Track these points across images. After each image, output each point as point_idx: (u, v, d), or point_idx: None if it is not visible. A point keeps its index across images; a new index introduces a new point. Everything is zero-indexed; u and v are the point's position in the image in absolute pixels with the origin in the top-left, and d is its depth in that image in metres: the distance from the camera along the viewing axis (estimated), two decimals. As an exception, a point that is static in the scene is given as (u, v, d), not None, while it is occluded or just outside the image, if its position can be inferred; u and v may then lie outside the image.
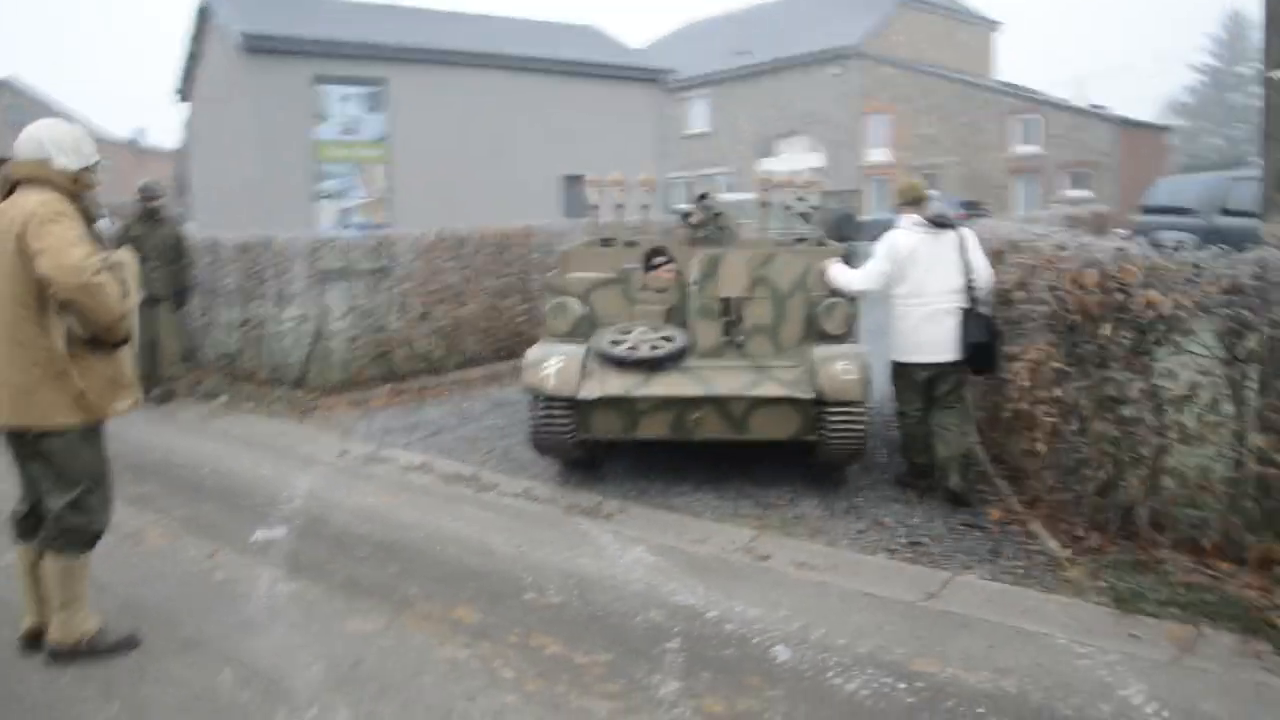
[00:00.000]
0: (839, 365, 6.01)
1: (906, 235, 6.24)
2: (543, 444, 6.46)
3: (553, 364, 6.19)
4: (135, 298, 4.06)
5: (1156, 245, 5.68)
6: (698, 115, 43.90)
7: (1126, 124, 33.30)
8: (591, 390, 6.14)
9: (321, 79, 21.23)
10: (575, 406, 6.21)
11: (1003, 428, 6.53)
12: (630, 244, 7.80)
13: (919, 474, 6.32)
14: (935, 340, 6.05)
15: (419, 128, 22.06)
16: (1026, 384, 5.57)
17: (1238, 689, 3.68)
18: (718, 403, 6.14)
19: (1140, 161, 32.78)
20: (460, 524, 5.66)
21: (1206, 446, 4.81)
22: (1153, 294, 4.82)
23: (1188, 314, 4.78)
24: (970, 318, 6.01)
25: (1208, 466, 4.81)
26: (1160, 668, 3.84)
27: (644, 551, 5.18)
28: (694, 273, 6.78)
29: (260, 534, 5.48)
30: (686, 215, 7.98)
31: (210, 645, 4.04)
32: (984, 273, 6.20)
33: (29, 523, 4.00)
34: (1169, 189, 15.20)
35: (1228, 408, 4.75)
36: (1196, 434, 4.80)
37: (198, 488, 6.46)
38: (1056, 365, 5.33)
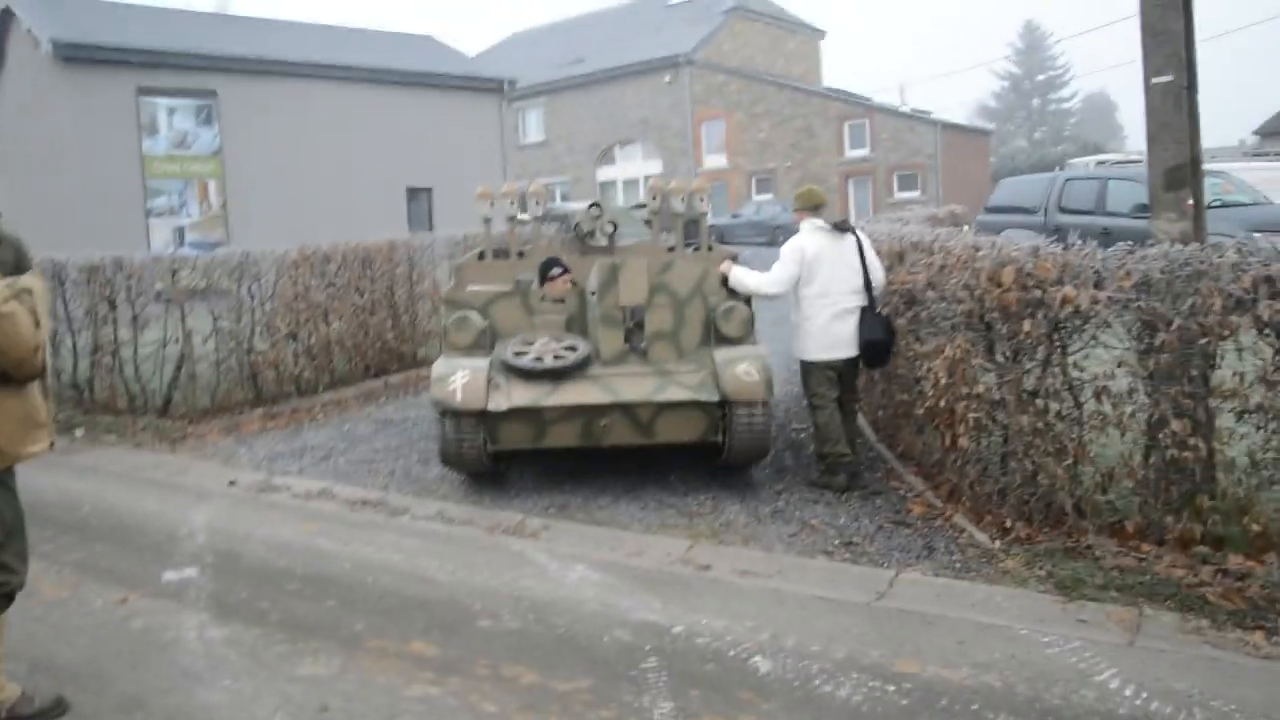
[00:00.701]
0: (742, 367, 6.18)
1: (811, 239, 6.46)
2: (452, 458, 6.43)
3: (459, 378, 6.16)
4: (48, 326, 3.68)
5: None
6: (532, 124, 43.76)
7: (948, 127, 34.94)
8: (500, 402, 6.14)
9: (146, 90, 20.14)
10: (484, 419, 6.20)
11: (912, 425, 6.68)
12: (521, 255, 7.70)
13: (833, 469, 6.44)
14: (843, 338, 6.33)
15: (254, 141, 21.19)
16: (944, 381, 5.69)
17: (1195, 665, 3.83)
18: (625, 409, 6.21)
19: (961, 163, 34.47)
20: (385, 552, 5.39)
21: (1125, 435, 5.02)
22: (1069, 290, 5.00)
23: (1103, 308, 4.98)
24: (868, 315, 6.33)
25: (1128, 453, 5.02)
26: (1121, 651, 3.96)
27: (586, 569, 5.04)
28: (593, 282, 6.75)
29: (170, 575, 5.08)
30: (577, 224, 7.90)
31: (152, 702, 3.69)
32: (879, 273, 6.54)
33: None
34: (1011, 189, 15.94)
35: (1142, 397, 4.97)
36: (1115, 423, 5.01)
37: (82, 529, 5.95)
38: (977, 362, 5.48)
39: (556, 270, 7.27)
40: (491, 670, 3.89)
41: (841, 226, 6.53)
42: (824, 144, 35.95)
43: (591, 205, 8.08)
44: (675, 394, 6.23)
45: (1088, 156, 29.13)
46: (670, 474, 6.80)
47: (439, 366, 6.34)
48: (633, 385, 6.28)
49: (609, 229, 7.91)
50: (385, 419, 9.09)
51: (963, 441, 5.60)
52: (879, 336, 6.31)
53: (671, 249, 7.99)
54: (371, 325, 11.08)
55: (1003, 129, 66.38)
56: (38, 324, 3.56)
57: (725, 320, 6.64)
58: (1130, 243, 5.10)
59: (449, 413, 6.18)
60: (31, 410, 3.60)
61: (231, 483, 6.99)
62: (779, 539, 5.52)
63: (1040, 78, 70.39)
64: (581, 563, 5.13)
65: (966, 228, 14.99)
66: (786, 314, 6.79)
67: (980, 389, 5.49)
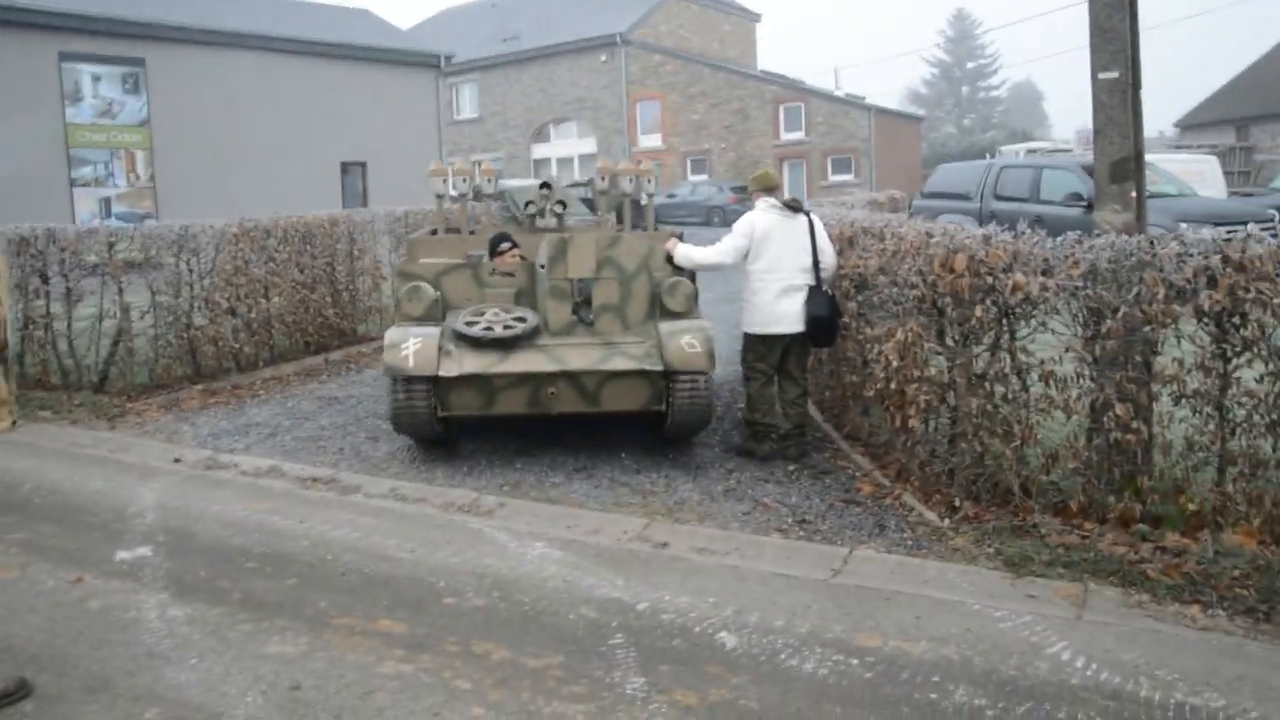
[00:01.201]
0: (685, 339, 6.43)
1: (763, 216, 6.69)
2: (403, 424, 6.61)
3: (411, 345, 6.37)
4: (8, 304, 3.61)
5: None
6: (466, 100, 43.36)
7: (882, 112, 35.39)
8: (450, 368, 6.34)
9: (69, 56, 19.54)
10: (435, 385, 6.40)
11: (859, 406, 6.83)
12: (473, 232, 7.82)
13: (759, 437, 6.73)
14: (788, 313, 6.55)
15: (184, 112, 20.71)
16: (895, 364, 5.81)
17: (1139, 638, 4.00)
18: (572, 377, 6.43)
19: (894, 148, 34.97)
20: (342, 530, 5.36)
21: (1070, 418, 5.19)
22: (1019, 277, 5.14)
23: (1051, 295, 5.13)
24: (815, 293, 6.54)
25: (1072, 435, 5.19)
26: (1070, 624, 4.12)
27: (545, 546, 5.08)
28: (543, 255, 6.90)
29: (124, 554, 5.00)
30: (528, 203, 7.96)
31: (118, 684, 3.65)
32: (829, 253, 6.77)
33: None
34: (947, 175, 16.28)
35: (1087, 381, 5.14)
36: (1061, 406, 5.17)
37: (24, 508, 5.81)
38: (928, 345, 5.61)
39: (506, 245, 7.47)
40: (461, 647, 3.91)
41: (793, 206, 6.74)
42: (759, 126, 36.19)
43: (542, 185, 8.15)
44: (621, 363, 6.45)
45: (1017, 144, 29.69)
46: (621, 452, 6.87)
47: (392, 334, 6.53)
48: (580, 355, 6.50)
49: (559, 209, 7.96)
50: (329, 396, 9.01)
51: (913, 423, 5.74)
52: (823, 313, 6.52)
53: (620, 228, 8.12)
54: (312, 301, 10.92)
55: (932, 115, 67.30)
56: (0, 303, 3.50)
57: (670, 295, 6.84)
58: (1079, 233, 5.25)
59: (401, 378, 6.37)
60: (-9, 388, 3.53)
61: (176, 460, 6.89)
62: (733, 517, 5.62)
63: (970, 65, 71.49)
64: (540, 540, 5.17)
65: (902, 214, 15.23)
66: (729, 293, 6.97)
67: (931, 372, 5.63)
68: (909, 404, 5.72)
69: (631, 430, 7.16)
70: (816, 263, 6.59)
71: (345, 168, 24.11)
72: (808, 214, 6.78)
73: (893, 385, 5.87)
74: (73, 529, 5.45)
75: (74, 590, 4.55)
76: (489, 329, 6.52)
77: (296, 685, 3.61)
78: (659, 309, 6.84)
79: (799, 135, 35.33)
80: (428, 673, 3.70)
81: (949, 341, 5.56)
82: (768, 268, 6.58)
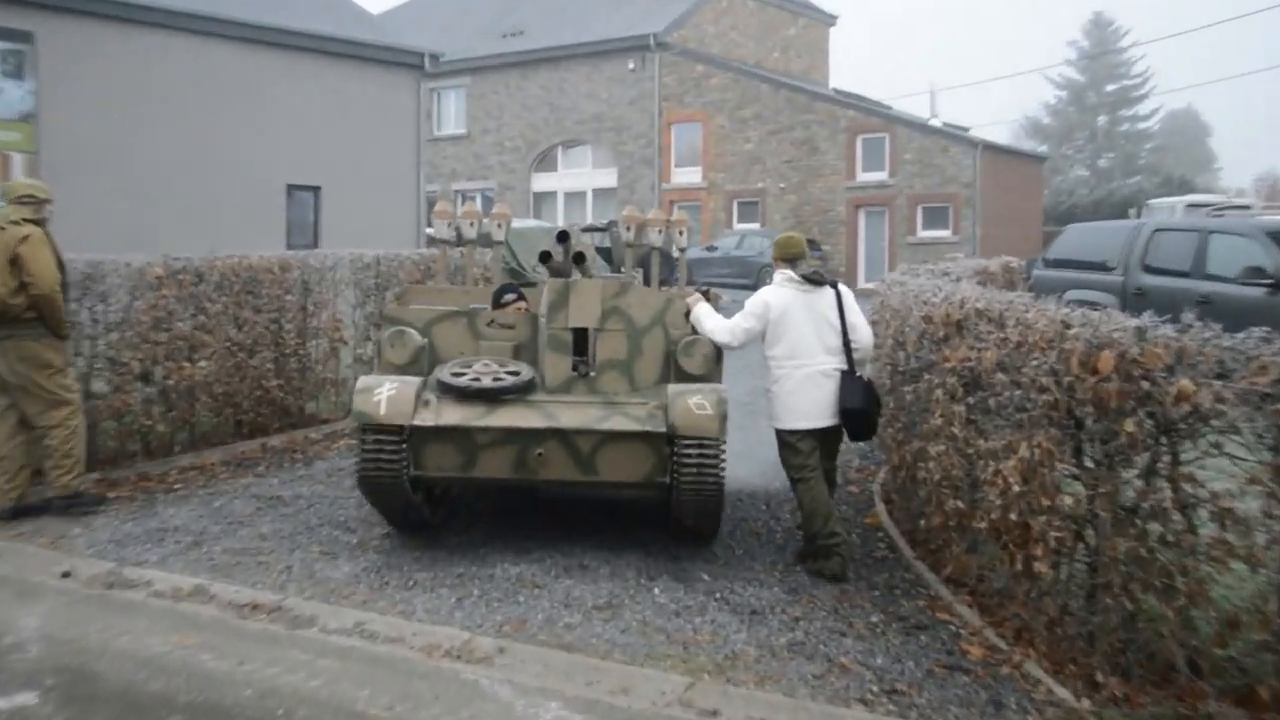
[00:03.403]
0: (694, 399, 6.95)
1: (778, 293, 7.32)
2: (370, 484, 7.22)
3: (385, 390, 7.05)
4: None
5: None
6: (450, 112, 44.05)
7: (989, 149, 35.80)
8: (427, 418, 6.94)
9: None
10: (408, 438, 7.05)
11: (965, 541, 6.92)
12: (478, 283, 8.44)
13: (825, 553, 7.25)
14: (817, 404, 7.14)
15: (83, 107, 20.90)
16: (1016, 488, 5.92)
17: None
18: (563, 437, 7.02)
19: (1005, 196, 35.30)
20: (295, 675, 5.46)
21: (1256, 572, 5.24)
22: (1185, 383, 5.24)
23: (1229, 408, 5.23)
24: (848, 380, 7.13)
25: (1259, 596, 5.24)
26: None
27: (561, 708, 5.17)
28: (544, 303, 7.52)
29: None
30: (546, 256, 8.34)
31: None
32: (863, 331, 7.38)
33: None
34: (1079, 239, 16.46)
35: (1278, 525, 5.20)
36: (1242, 555, 5.24)
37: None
38: (1061, 466, 5.72)
39: (510, 297, 8.23)
40: (454, 839, 4.00)
41: (815, 279, 7.30)
42: (829, 163, 36.68)
43: (560, 235, 8.60)
44: (620, 424, 7.08)
45: (1173, 197, 29.99)
46: (655, 585, 6.97)
47: (365, 380, 7.27)
48: (575, 413, 7.17)
49: (585, 257, 8.40)
50: (270, 495, 9.16)
51: (1039, 567, 5.82)
52: (857, 405, 7.09)
53: (661, 285, 8.66)
54: (250, 368, 11.12)
55: (1058, 154, 67.65)
56: None
57: (686, 354, 7.44)
58: (1266, 328, 5.35)
59: (370, 428, 7.01)
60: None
61: (66, 574, 7.01)
62: (801, 680, 5.68)
63: (1110, 88, 72.06)
64: (554, 700, 5.26)
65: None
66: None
67: (1064, 501, 5.73)
68: (1034, 542, 5.82)
69: (667, 559, 7.37)
70: (848, 344, 7.14)
71: (292, 192, 24.50)
72: (834, 285, 7.36)
73: (1012, 516, 5.98)
74: (-63, 661, 5.58)
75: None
76: (476, 379, 7.17)
77: None
78: (674, 370, 7.40)
79: (881, 176, 35.73)
80: None
81: (1089, 463, 5.66)
82: (789, 353, 7.19)
